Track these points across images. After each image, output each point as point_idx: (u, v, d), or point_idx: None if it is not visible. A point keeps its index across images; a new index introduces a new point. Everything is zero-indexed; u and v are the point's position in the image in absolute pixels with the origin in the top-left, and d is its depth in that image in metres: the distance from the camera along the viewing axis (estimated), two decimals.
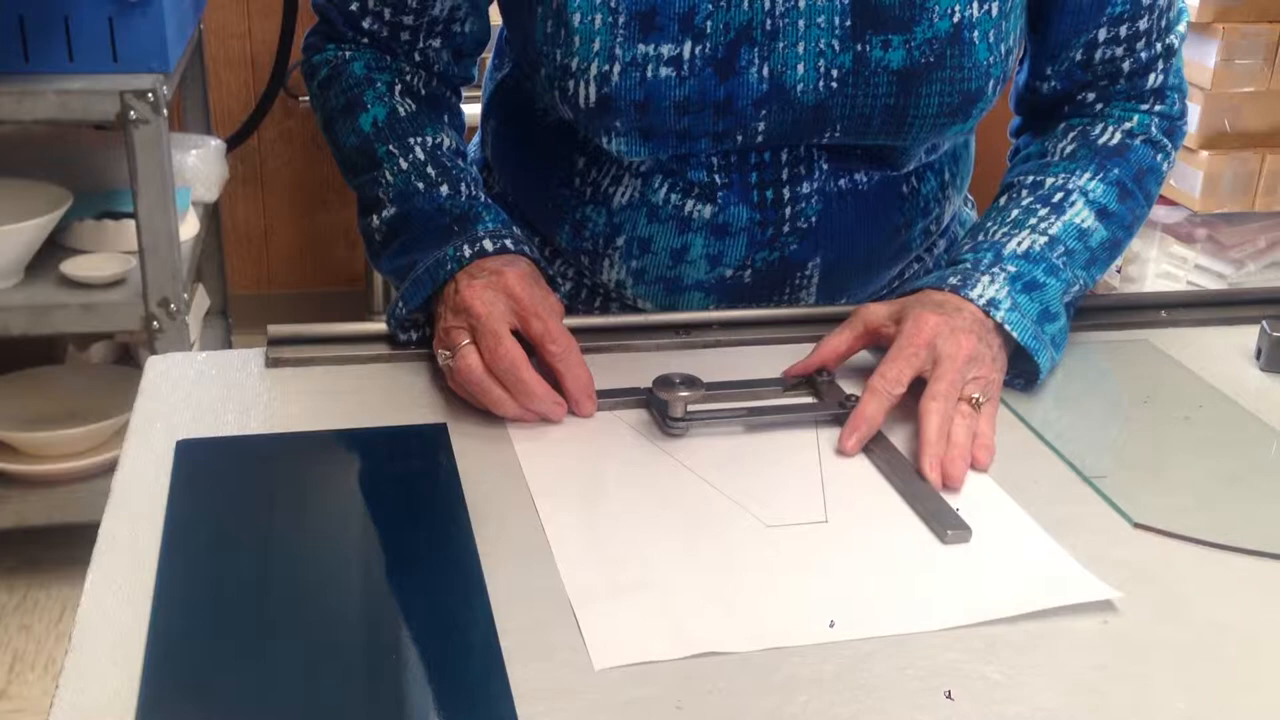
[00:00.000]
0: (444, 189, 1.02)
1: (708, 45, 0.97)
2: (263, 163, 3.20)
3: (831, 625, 0.70)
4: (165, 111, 1.94)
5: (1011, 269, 0.96)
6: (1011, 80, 1.10)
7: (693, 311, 1.07)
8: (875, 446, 0.87)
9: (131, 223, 2.04)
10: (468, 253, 0.95)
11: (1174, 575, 0.76)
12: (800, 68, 0.98)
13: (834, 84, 0.98)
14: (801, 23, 0.97)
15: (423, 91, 1.10)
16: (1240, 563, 0.77)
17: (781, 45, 0.97)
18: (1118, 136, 1.06)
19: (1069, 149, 1.06)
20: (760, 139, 1.01)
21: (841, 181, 1.06)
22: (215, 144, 2.49)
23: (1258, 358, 1.03)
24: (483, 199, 1.03)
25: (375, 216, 1.06)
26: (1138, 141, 1.07)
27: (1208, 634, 0.71)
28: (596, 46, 0.97)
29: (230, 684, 0.64)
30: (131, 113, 1.91)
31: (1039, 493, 0.83)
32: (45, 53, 1.96)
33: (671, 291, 1.08)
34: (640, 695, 0.64)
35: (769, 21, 0.97)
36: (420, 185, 1.02)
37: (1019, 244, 0.98)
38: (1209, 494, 0.85)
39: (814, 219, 1.06)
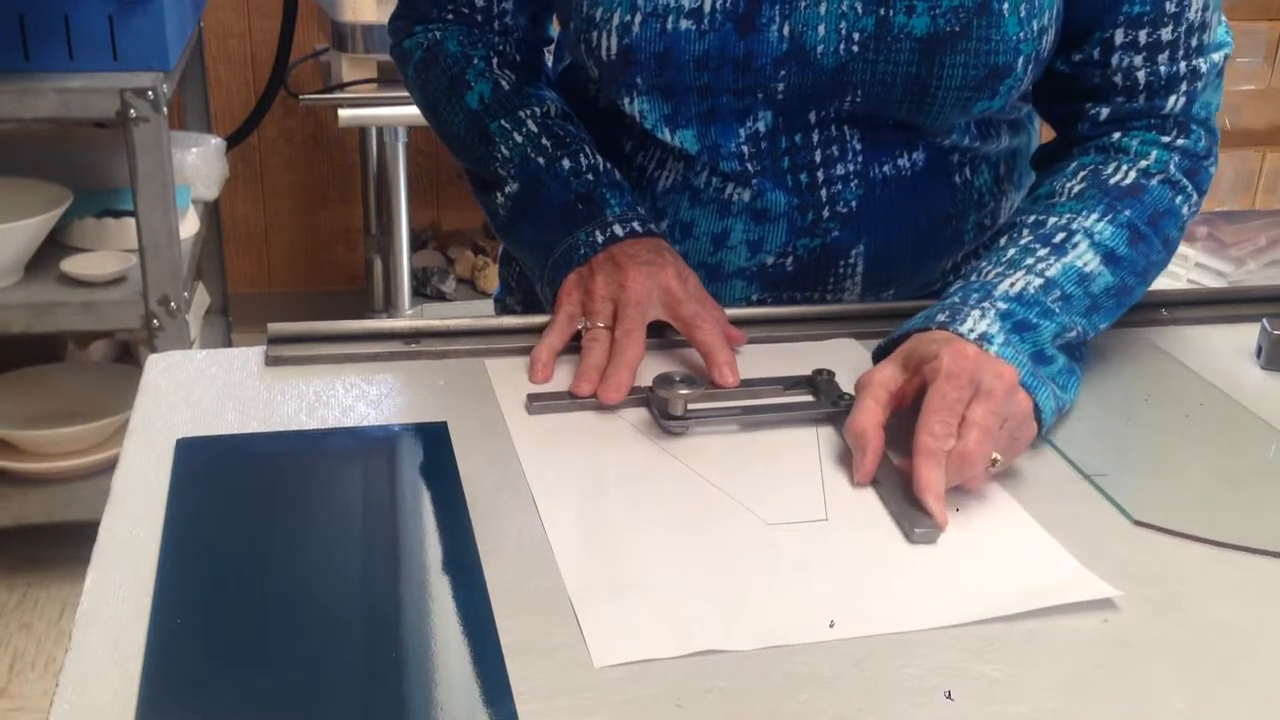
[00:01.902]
0: (565, 162, 1.06)
1: (729, 0, 0.97)
2: (263, 161, 3.20)
3: (831, 625, 0.69)
4: (165, 110, 1.93)
5: (1002, 306, 0.89)
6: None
7: None
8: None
9: (131, 221, 2.04)
10: (600, 239, 1.00)
11: (1174, 573, 0.76)
12: (821, 29, 0.97)
13: (855, 48, 0.97)
14: None
15: (517, 58, 1.14)
16: (1241, 561, 0.77)
17: (803, 4, 0.97)
18: (1132, 176, 1.00)
19: (1077, 188, 1.00)
20: (781, 98, 1.01)
21: (886, 168, 1.05)
22: (215, 142, 2.49)
23: (1258, 356, 1.03)
24: (603, 168, 1.06)
25: (498, 193, 1.09)
26: (1154, 181, 1.00)
27: (1208, 633, 0.71)
28: None
29: (230, 683, 0.64)
30: (131, 111, 1.91)
31: (1039, 491, 0.83)
32: (45, 51, 1.96)
33: (714, 279, 1.08)
34: (640, 694, 0.64)
35: None
36: (540, 160, 1.06)
37: (1011, 285, 0.91)
38: (1209, 492, 0.85)
39: (854, 204, 1.05)
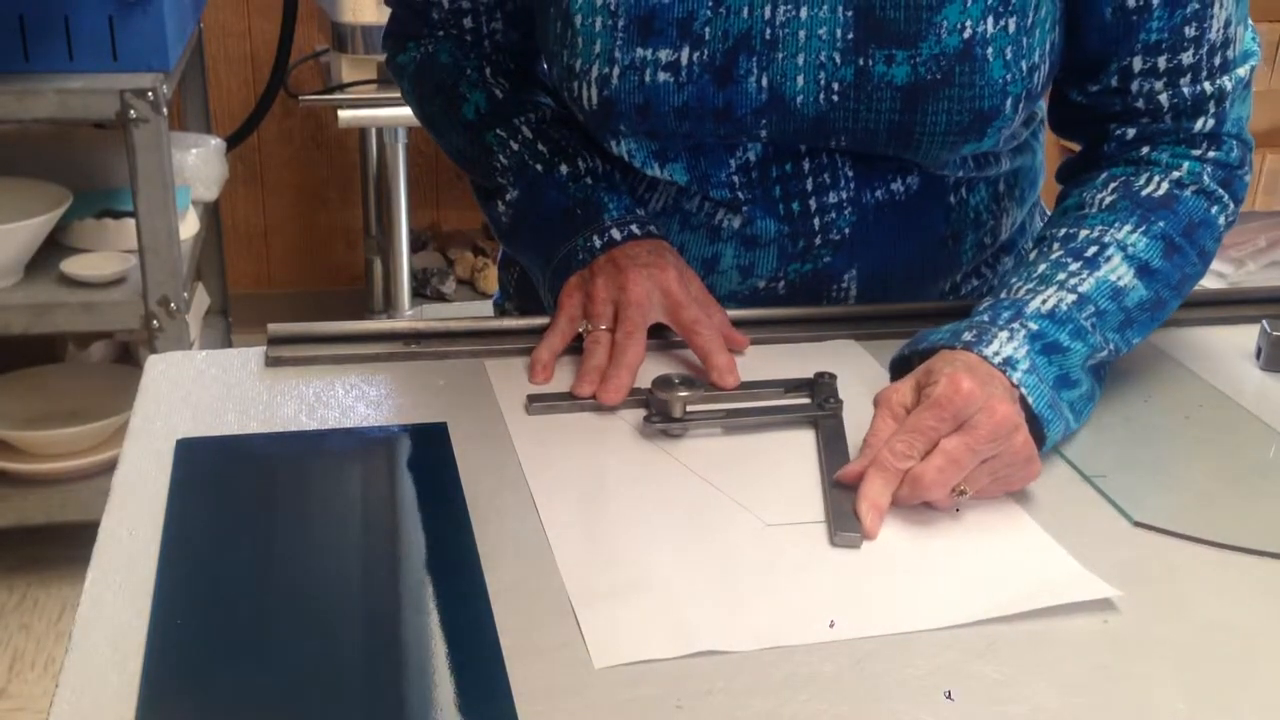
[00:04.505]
0: (563, 168, 1.06)
1: (705, 52, 0.97)
2: (263, 162, 3.19)
3: (831, 625, 0.69)
4: (165, 110, 1.93)
5: (1033, 326, 0.87)
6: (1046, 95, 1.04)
7: None
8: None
9: (131, 221, 2.03)
10: (597, 243, 1.00)
11: (1174, 574, 0.76)
12: (800, 79, 0.96)
13: (835, 97, 0.96)
14: (802, 34, 0.95)
15: (511, 66, 1.14)
16: (1240, 561, 0.77)
17: (781, 56, 0.96)
18: (1164, 187, 0.97)
19: (1108, 199, 0.97)
20: (764, 139, 1.00)
21: (878, 193, 1.03)
22: (215, 143, 2.49)
23: (1257, 357, 1.03)
24: (601, 171, 1.06)
25: (499, 201, 1.09)
26: (1188, 192, 0.97)
27: (1208, 634, 0.71)
28: (597, 49, 0.98)
29: (230, 683, 0.64)
30: (131, 111, 1.91)
31: (1039, 491, 0.83)
32: (45, 51, 1.96)
33: None
34: (640, 694, 0.64)
35: (768, 31, 0.96)
36: (538, 166, 1.06)
37: (1043, 302, 0.89)
38: (1209, 493, 0.85)
39: (847, 230, 1.03)
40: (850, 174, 1.02)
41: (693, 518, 0.79)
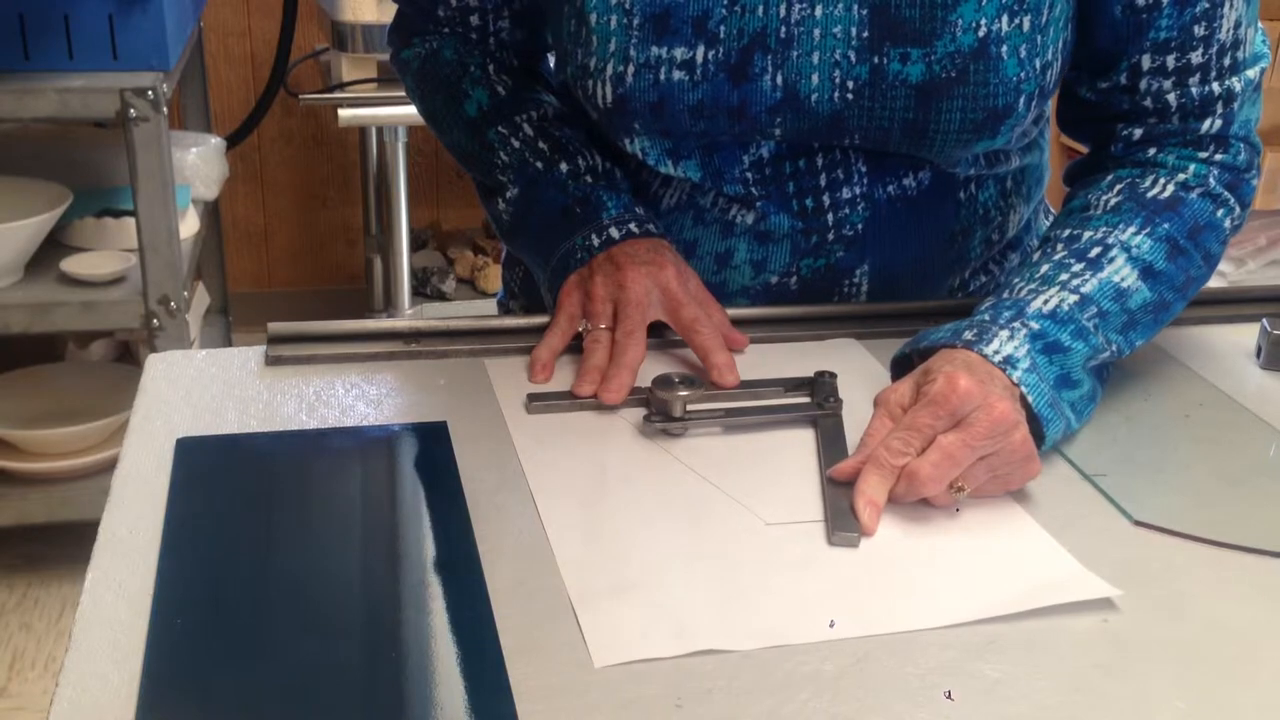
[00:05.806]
0: (563, 166, 1.06)
1: (720, 50, 0.97)
2: (263, 161, 3.20)
3: (831, 625, 0.69)
4: (165, 109, 1.93)
5: (1034, 326, 0.87)
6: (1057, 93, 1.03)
7: None
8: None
9: (131, 220, 2.04)
10: (595, 242, 1.00)
11: (1174, 573, 0.76)
12: (815, 78, 0.96)
13: (849, 95, 0.96)
14: (817, 32, 0.95)
15: (514, 63, 1.14)
16: (1240, 561, 0.77)
17: (796, 54, 0.96)
18: (1170, 189, 0.97)
19: (1114, 201, 0.97)
20: (778, 137, 1.00)
21: (890, 188, 1.03)
22: (215, 142, 2.49)
23: (1258, 356, 1.03)
24: (602, 169, 1.06)
25: (500, 199, 1.09)
26: (1193, 194, 0.97)
27: (1208, 633, 0.71)
28: (612, 47, 0.98)
29: (230, 682, 0.64)
30: (131, 110, 1.91)
31: (1039, 491, 0.83)
32: (45, 51, 1.96)
33: (717, 297, 1.05)
34: (640, 693, 0.64)
35: (784, 29, 0.96)
36: (538, 164, 1.06)
37: (1045, 302, 0.89)
38: (1209, 492, 0.85)
39: (860, 226, 1.04)
40: (863, 170, 1.03)
41: (693, 517, 0.79)
